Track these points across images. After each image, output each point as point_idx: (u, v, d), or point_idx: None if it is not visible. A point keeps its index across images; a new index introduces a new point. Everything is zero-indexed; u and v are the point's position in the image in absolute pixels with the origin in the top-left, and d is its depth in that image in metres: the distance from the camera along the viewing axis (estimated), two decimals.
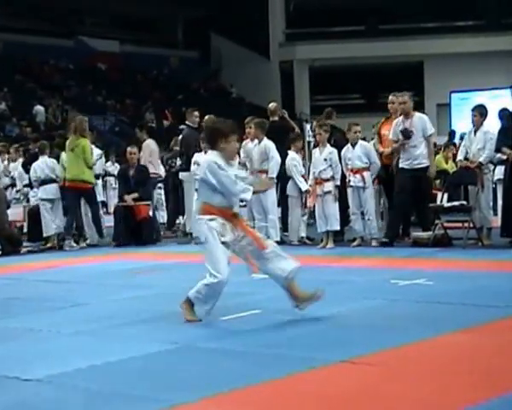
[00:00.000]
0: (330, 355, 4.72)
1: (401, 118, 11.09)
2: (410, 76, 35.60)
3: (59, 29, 35.80)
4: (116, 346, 5.30)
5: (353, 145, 11.17)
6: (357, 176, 11.11)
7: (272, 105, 13.44)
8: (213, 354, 4.96)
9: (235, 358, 4.85)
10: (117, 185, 16.02)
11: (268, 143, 11.72)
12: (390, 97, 11.69)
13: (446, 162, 19.12)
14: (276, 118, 13.14)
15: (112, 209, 15.60)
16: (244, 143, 12.07)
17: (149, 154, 14.03)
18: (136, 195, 12.94)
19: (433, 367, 4.42)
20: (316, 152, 11.45)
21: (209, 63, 41.51)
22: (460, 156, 11.05)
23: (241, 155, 12.22)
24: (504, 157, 10.35)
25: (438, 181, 18.90)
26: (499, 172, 11.08)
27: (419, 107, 11.89)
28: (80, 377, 4.51)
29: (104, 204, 14.78)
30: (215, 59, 41.49)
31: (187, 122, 13.59)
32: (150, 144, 14.16)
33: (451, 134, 22.24)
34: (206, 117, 14.48)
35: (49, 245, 13.08)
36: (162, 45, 39.50)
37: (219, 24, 39.31)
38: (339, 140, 11.84)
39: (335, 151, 11.19)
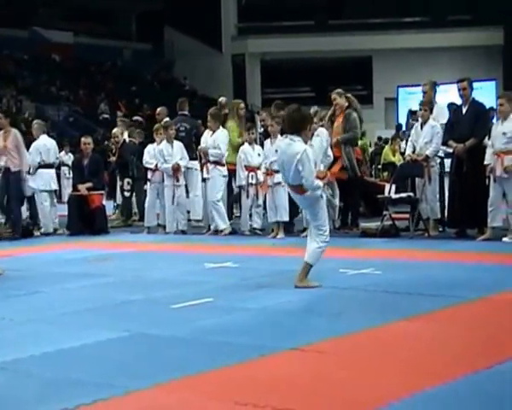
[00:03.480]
0: (280, 343, 4.79)
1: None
2: (358, 70, 35.97)
3: (13, 19, 35.32)
4: (69, 333, 5.33)
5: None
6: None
7: (223, 99, 13.69)
8: (165, 342, 5.02)
9: (187, 345, 4.91)
10: (71, 175, 16.06)
11: (219, 134, 11.94)
12: (332, 96, 11.83)
13: (393, 155, 19.41)
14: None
15: (66, 198, 15.61)
16: (206, 132, 12.42)
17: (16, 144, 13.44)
18: (89, 184, 13.00)
19: (380, 355, 4.54)
20: (267, 143, 11.56)
21: (162, 56, 41.37)
22: (408, 150, 11.26)
23: (201, 141, 12.39)
24: (450, 150, 10.57)
25: (386, 173, 19.22)
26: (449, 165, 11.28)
27: (367, 101, 12.08)
28: (34, 364, 4.54)
29: (57, 193, 14.75)
30: (168, 52, 41.35)
31: (180, 112, 13.93)
32: (17, 133, 12.90)
33: (398, 127, 22.53)
34: (160, 108, 14.70)
35: None
36: (116, 37, 39.22)
37: (173, 17, 39.19)
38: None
39: None
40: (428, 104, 10.98)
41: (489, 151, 9.94)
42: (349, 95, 11.89)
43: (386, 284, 6.99)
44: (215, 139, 11.93)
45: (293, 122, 6.79)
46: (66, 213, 13.45)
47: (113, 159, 15.74)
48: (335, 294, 6.63)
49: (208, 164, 11.93)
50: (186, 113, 14.04)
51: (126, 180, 14.84)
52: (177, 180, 12.44)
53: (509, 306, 5.93)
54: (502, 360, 4.25)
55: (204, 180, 12.14)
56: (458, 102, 10.85)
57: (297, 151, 6.65)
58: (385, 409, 3.55)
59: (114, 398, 3.84)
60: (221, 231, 11.91)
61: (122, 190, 15.05)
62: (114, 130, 15.79)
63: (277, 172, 11.29)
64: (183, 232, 12.40)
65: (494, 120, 10.67)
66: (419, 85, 11.81)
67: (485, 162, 9.94)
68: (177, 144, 12.56)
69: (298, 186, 6.77)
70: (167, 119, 14.02)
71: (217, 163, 11.93)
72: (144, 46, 40.48)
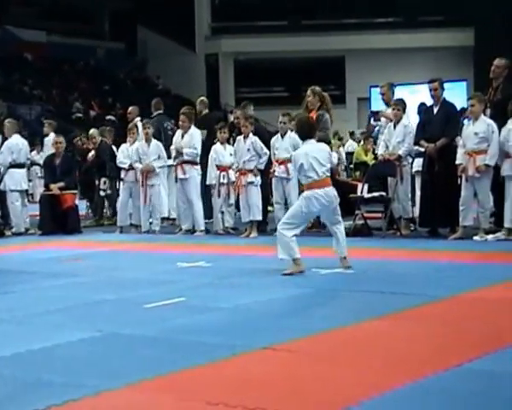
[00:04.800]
0: (252, 342, 4.80)
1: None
2: (331, 70, 36.09)
3: None
4: (41, 334, 5.31)
5: (282, 136, 11.32)
6: (282, 167, 11.26)
7: (204, 98, 13.78)
8: (137, 342, 5.01)
9: (158, 345, 4.90)
10: (42, 174, 15.99)
11: (194, 133, 11.92)
12: (308, 92, 11.91)
13: (366, 154, 19.48)
14: (207, 110, 13.39)
15: (37, 198, 15.53)
16: (178, 131, 12.36)
17: None
18: (61, 184, 12.96)
19: (352, 353, 4.56)
20: (240, 141, 11.54)
21: (135, 55, 41.23)
22: (380, 150, 11.32)
23: (173, 140, 12.36)
24: (422, 149, 10.64)
25: (358, 172, 19.28)
26: (417, 164, 11.38)
27: (340, 101, 12.17)
28: (4, 365, 4.51)
29: (27, 192, 14.70)
30: (141, 51, 41.23)
31: (158, 111, 13.95)
32: None
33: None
34: (131, 107, 14.66)
35: None
36: (89, 36, 39.01)
37: (146, 16, 39.09)
38: (259, 131, 12.04)
39: (257, 138, 11.35)
40: (401, 104, 11.04)
41: (460, 151, 10.02)
42: (324, 94, 11.92)
43: (359, 282, 7.05)
44: (190, 139, 11.87)
45: (303, 129, 7.93)
46: (38, 212, 13.38)
47: (89, 158, 15.70)
48: (308, 293, 6.65)
49: (184, 164, 11.88)
50: (160, 111, 14.05)
51: (103, 180, 14.81)
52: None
53: (479, 304, 5.98)
54: (472, 358, 4.29)
55: (177, 180, 12.11)
56: (430, 102, 10.93)
57: (325, 146, 7.97)
58: (356, 408, 3.56)
59: (85, 398, 3.82)
60: (195, 231, 11.91)
61: (98, 190, 15.02)
62: (91, 131, 15.75)
63: (250, 171, 11.34)
64: (155, 232, 12.37)
65: (465, 121, 10.75)
66: (391, 86, 11.90)
67: (457, 162, 10.01)
68: (155, 144, 12.45)
69: (328, 177, 7.68)
70: (138, 118, 14.01)
71: (193, 163, 11.90)
72: (117, 45, 40.32)
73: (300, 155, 7.74)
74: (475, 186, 9.90)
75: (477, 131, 9.83)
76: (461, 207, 9.95)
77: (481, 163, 9.76)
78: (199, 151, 11.88)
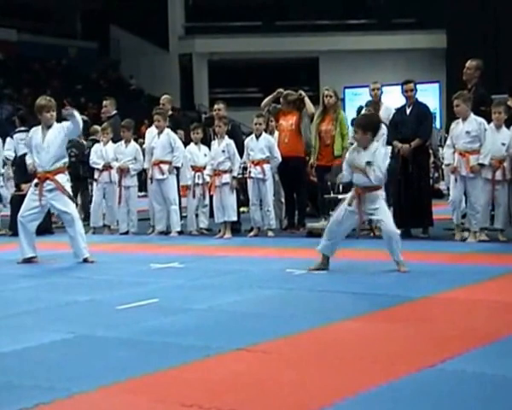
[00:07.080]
0: (226, 344, 4.78)
1: None
2: (306, 71, 36.21)
3: None
4: (11, 336, 5.25)
5: (257, 137, 11.33)
6: (258, 168, 11.27)
7: (169, 96, 13.73)
8: (110, 344, 4.97)
9: (131, 347, 4.86)
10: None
11: (171, 133, 11.87)
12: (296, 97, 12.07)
13: None
14: (171, 111, 13.37)
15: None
16: (148, 130, 12.34)
17: None
18: None
19: (326, 355, 4.56)
20: (214, 144, 11.54)
21: (108, 54, 41.03)
22: None
23: (146, 140, 12.29)
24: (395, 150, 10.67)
25: None
26: None
27: (315, 102, 12.22)
28: None
29: None
30: (114, 50, 41.06)
31: (113, 112, 13.74)
32: None
33: None
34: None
35: None
36: (61, 35, 38.76)
37: (119, 15, 38.95)
38: (234, 132, 12.05)
39: (232, 142, 11.32)
40: (374, 104, 11.09)
41: (449, 151, 9.91)
42: None
43: (332, 283, 7.05)
44: (168, 138, 11.78)
45: (371, 126, 8.14)
46: (8, 213, 13.25)
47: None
48: (281, 294, 6.64)
49: (161, 165, 11.78)
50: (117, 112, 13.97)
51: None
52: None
53: (452, 305, 6.00)
54: (444, 358, 4.31)
55: (152, 181, 12.04)
56: (400, 103, 10.97)
57: None
58: (330, 409, 3.56)
59: (57, 401, 3.78)
60: (168, 232, 11.85)
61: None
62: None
63: (225, 172, 11.32)
64: (128, 233, 12.30)
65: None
66: (365, 87, 11.95)
67: (446, 162, 10.00)
68: (133, 146, 12.35)
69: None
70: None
71: (170, 163, 11.83)
72: (90, 44, 40.11)
73: None
74: (467, 186, 9.75)
75: (468, 129, 9.58)
76: (451, 208, 9.93)
77: (475, 163, 9.58)
78: (182, 151, 11.85)
